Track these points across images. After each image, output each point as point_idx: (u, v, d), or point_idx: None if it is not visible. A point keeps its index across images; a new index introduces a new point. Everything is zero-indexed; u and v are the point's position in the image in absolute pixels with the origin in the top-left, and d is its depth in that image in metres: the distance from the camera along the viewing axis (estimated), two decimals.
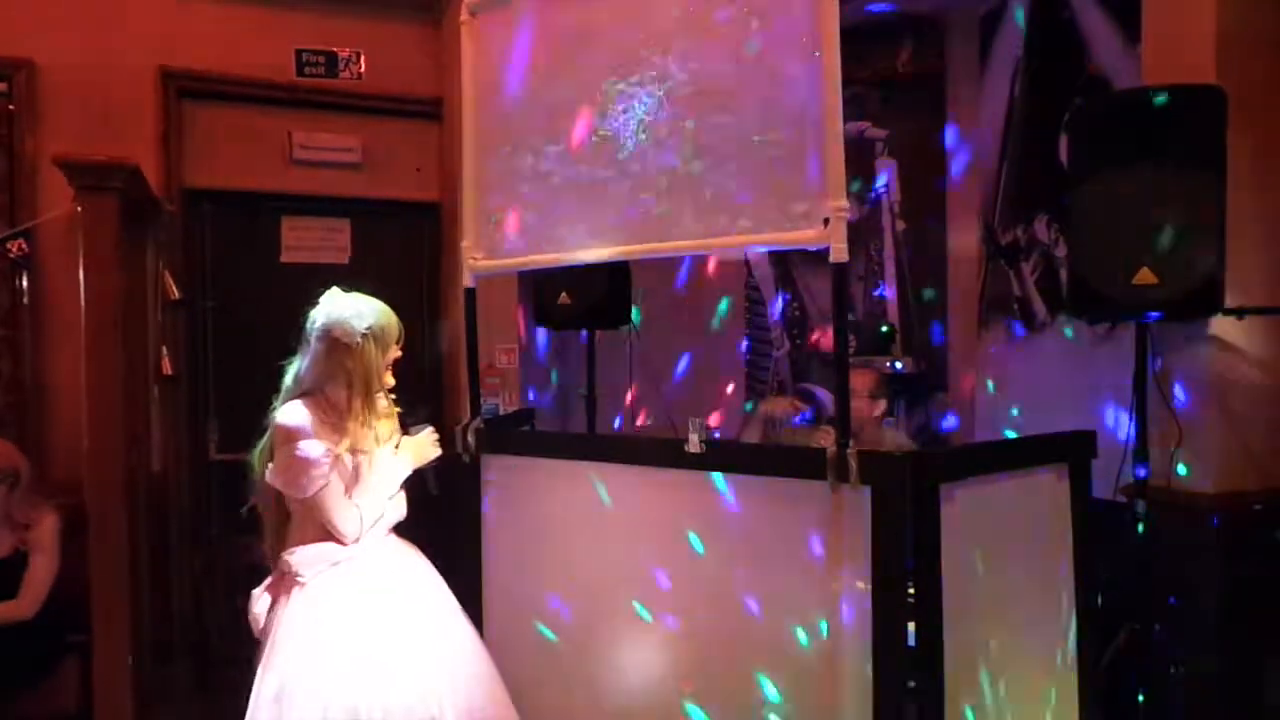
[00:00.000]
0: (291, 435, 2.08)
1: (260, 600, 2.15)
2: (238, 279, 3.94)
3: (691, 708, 2.11)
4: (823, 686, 1.89)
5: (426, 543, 2.35)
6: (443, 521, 2.44)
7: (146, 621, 3.20)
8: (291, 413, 2.11)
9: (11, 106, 3.43)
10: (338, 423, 2.14)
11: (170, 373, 3.57)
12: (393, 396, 2.27)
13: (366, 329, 2.14)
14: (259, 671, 2.05)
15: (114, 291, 2.75)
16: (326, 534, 2.13)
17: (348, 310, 2.15)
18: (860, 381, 3.14)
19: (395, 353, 2.21)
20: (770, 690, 1.97)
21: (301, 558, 2.11)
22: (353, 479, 2.13)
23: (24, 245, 3.32)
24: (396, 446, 2.28)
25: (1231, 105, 2.23)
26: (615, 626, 2.24)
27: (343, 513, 2.11)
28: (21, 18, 3.46)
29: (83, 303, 2.70)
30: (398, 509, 2.26)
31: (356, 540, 2.13)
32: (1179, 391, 2.48)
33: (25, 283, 3.42)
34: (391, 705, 1.99)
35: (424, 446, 2.30)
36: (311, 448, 2.07)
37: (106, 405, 2.72)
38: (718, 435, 3.86)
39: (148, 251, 3.47)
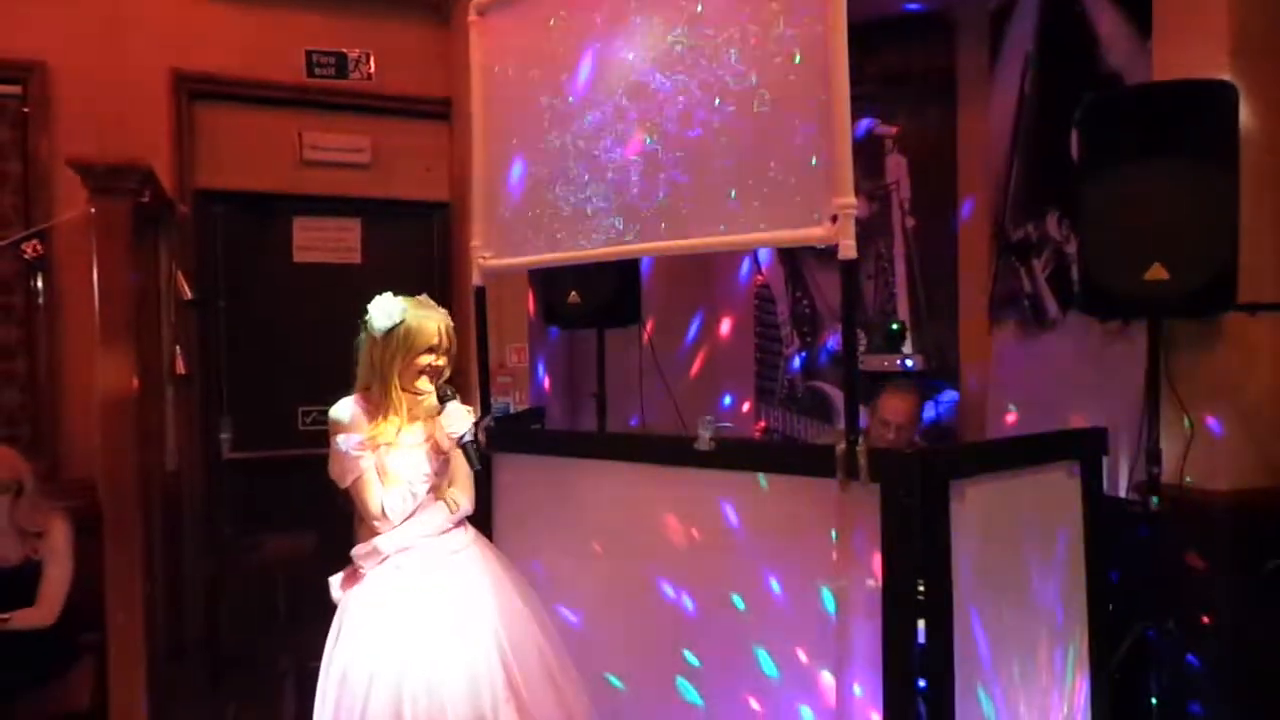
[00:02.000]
0: (331, 429, 2.19)
1: (334, 586, 2.23)
2: (250, 279, 3.97)
3: (700, 700, 2.11)
4: (831, 684, 1.89)
5: None
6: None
7: (160, 620, 3.23)
8: (336, 408, 2.21)
9: (25, 109, 3.46)
10: (377, 415, 2.20)
11: (184, 372, 3.60)
12: (428, 398, 2.27)
13: (392, 325, 2.19)
14: (325, 655, 2.16)
15: (128, 292, 2.77)
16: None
17: (379, 307, 2.23)
18: (895, 411, 2.91)
19: (427, 358, 2.21)
20: (779, 686, 1.97)
21: (359, 551, 2.19)
22: (394, 469, 2.18)
23: (39, 246, 3.35)
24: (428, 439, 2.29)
25: (1244, 100, 2.21)
26: (625, 623, 2.25)
27: (371, 504, 2.16)
28: (34, 21, 3.49)
29: (97, 303, 2.72)
30: (459, 500, 2.26)
31: (392, 528, 2.17)
32: (1191, 388, 2.46)
33: (40, 284, 3.45)
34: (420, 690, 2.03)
35: (454, 425, 2.24)
36: (344, 441, 2.16)
37: (120, 405, 2.74)
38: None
39: (161, 252, 3.49)
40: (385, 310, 2.22)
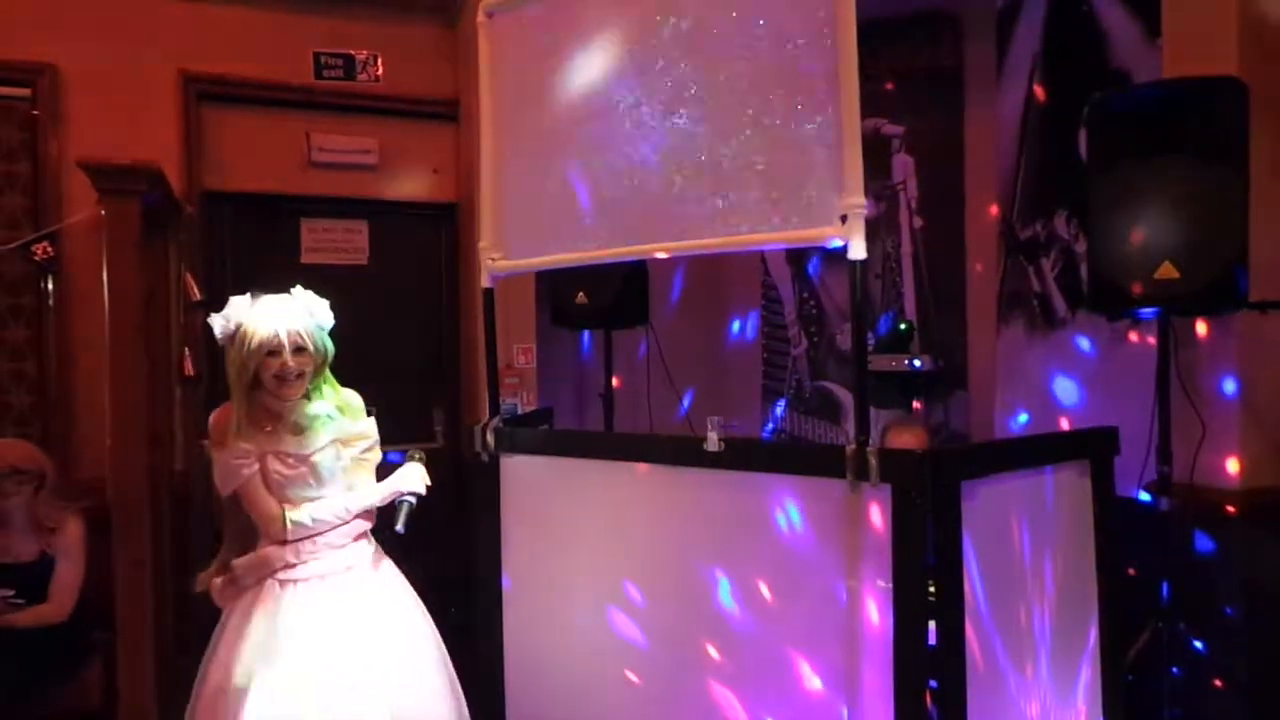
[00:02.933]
0: (209, 435, 2.15)
1: (215, 591, 2.20)
2: (258, 280, 3.93)
3: (709, 705, 2.10)
4: (842, 686, 1.88)
5: (445, 542, 2.34)
6: (462, 521, 2.44)
7: (169, 619, 3.23)
8: (214, 414, 2.18)
9: (35, 111, 3.48)
10: (265, 423, 2.15)
11: (192, 373, 3.60)
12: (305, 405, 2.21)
13: (231, 330, 2.14)
14: (201, 664, 2.13)
15: (137, 293, 2.77)
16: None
17: (216, 315, 2.17)
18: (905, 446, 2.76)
19: (272, 361, 2.10)
20: (790, 686, 1.96)
21: (243, 563, 2.14)
22: (283, 480, 2.14)
23: (49, 248, 3.37)
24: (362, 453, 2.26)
25: (1254, 98, 2.20)
26: (633, 624, 2.25)
27: (263, 512, 2.13)
28: (44, 23, 3.51)
29: (106, 304, 2.72)
30: (363, 520, 2.24)
31: (285, 541, 2.13)
32: (1202, 387, 2.45)
33: (50, 285, 3.46)
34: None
35: (406, 480, 2.23)
36: (220, 450, 2.12)
37: (130, 405, 2.74)
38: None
39: (170, 253, 3.50)
40: (220, 317, 2.15)
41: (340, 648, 2.07)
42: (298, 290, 2.21)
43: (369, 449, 2.28)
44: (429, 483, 2.25)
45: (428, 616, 2.28)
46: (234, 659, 2.04)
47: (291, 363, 2.12)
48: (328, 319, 2.21)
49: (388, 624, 2.18)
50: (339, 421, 2.22)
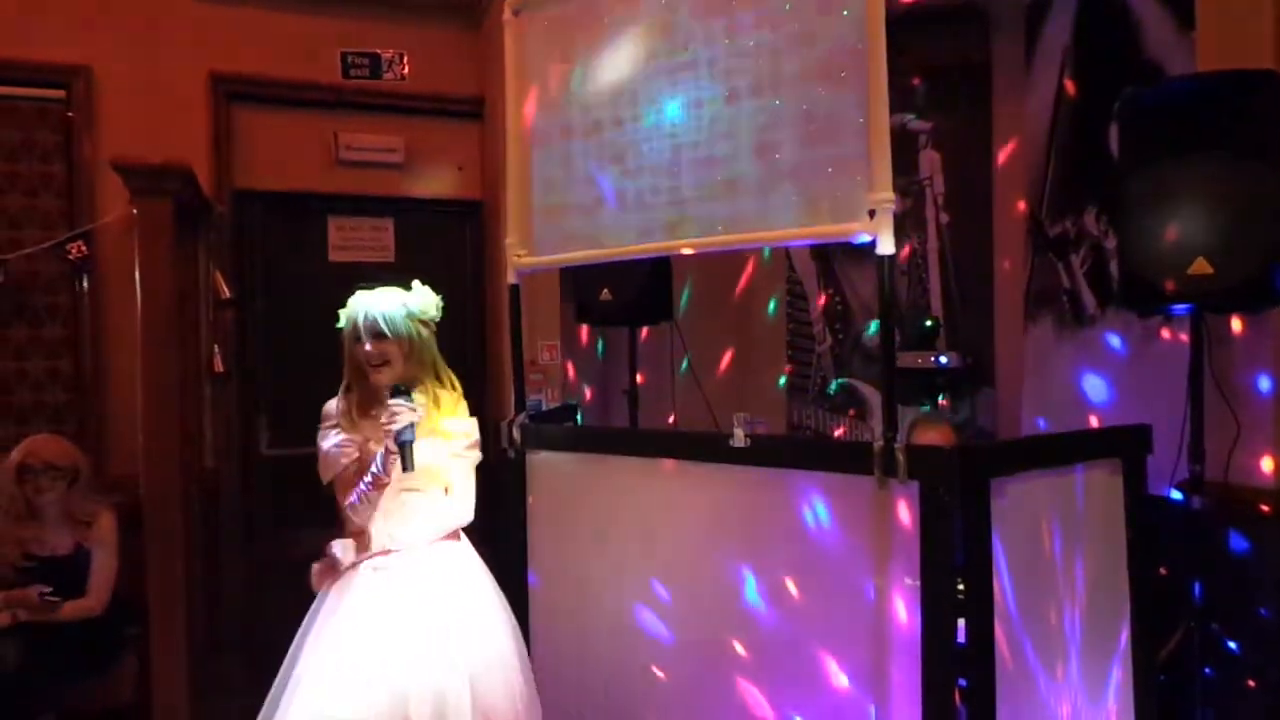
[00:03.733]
0: (321, 422, 2.19)
1: (317, 575, 2.19)
2: (287, 278, 4.01)
3: (736, 702, 2.10)
4: (870, 685, 1.88)
5: (471, 538, 2.34)
6: (488, 516, 2.45)
7: (200, 615, 3.28)
8: (327, 404, 2.21)
9: (69, 113, 3.53)
10: (371, 408, 2.17)
11: (221, 370, 3.65)
12: (412, 389, 2.16)
13: (343, 320, 2.19)
14: (293, 645, 2.14)
15: (168, 291, 2.82)
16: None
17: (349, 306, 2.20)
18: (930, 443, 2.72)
19: (357, 348, 2.14)
20: (818, 685, 1.96)
21: (337, 546, 2.17)
22: (365, 468, 2.15)
23: (83, 248, 3.43)
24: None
25: None
26: (659, 620, 2.25)
27: (345, 501, 2.15)
28: (78, 26, 3.56)
29: (139, 302, 2.77)
30: (446, 511, 2.21)
31: (361, 528, 2.15)
32: (1236, 385, 2.42)
33: (85, 284, 3.52)
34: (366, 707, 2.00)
35: (396, 418, 2.07)
36: (324, 438, 2.16)
37: (162, 402, 2.79)
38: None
39: (200, 252, 3.55)
40: (350, 305, 2.19)
41: (425, 626, 2.09)
42: (416, 284, 2.23)
43: (469, 447, 2.24)
44: (414, 407, 2.11)
45: (503, 596, 2.28)
46: (321, 643, 2.07)
47: (370, 348, 2.13)
48: (424, 308, 2.20)
49: (470, 605, 2.18)
50: (421, 413, 2.14)
